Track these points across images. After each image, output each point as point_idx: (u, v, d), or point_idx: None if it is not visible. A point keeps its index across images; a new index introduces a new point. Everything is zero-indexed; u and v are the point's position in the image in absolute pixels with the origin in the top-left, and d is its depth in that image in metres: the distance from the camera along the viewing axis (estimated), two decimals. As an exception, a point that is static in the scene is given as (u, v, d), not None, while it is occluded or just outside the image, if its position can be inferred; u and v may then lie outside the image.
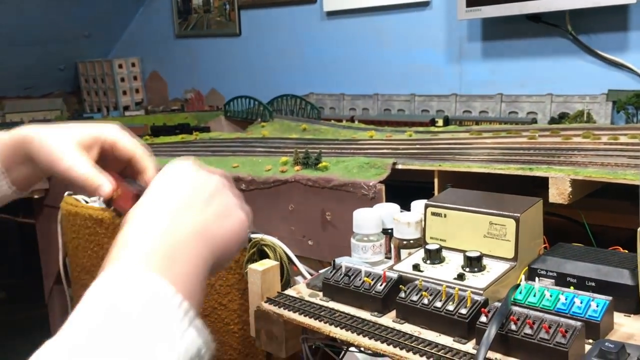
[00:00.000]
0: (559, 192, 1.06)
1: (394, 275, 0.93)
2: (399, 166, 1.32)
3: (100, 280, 0.49)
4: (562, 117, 2.34)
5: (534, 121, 2.37)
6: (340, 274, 0.97)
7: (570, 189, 1.05)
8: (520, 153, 1.26)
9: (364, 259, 1.08)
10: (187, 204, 0.60)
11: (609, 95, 2.24)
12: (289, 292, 1.00)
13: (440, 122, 2.56)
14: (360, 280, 0.94)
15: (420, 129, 1.98)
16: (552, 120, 2.37)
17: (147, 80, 3.95)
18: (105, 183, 0.80)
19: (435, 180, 1.23)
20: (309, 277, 1.11)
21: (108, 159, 0.86)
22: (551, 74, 2.39)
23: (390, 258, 1.12)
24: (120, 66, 3.84)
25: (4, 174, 0.94)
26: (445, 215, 1.01)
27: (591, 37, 2.27)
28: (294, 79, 3.23)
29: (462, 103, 2.62)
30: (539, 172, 1.09)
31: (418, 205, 1.13)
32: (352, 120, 2.74)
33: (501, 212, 0.96)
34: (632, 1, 2.02)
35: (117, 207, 0.79)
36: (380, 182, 1.27)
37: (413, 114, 2.75)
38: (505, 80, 2.51)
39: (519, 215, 0.93)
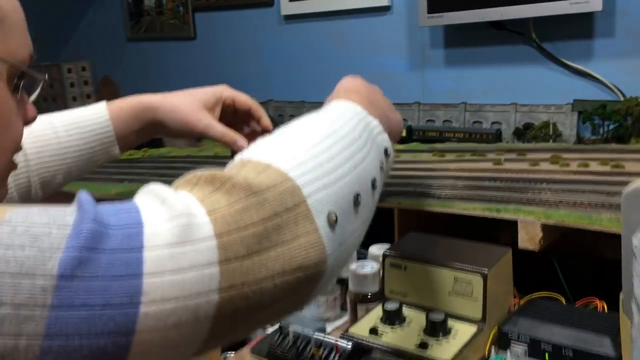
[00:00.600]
0: (529, 237, 0.97)
1: (348, 346, 0.82)
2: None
3: (331, 103, 0.77)
4: (527, 128, 2.27)
5: (499, 132, 2.30)
6: (288, 342, 0.85)
7: (541, 234, 0.96)
8: (485, 186, 1.16)
9: (317, 315, 0.97)
10: (372, 92, 0.91)
11: (575, 105, 2.18)
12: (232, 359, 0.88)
13: (403, 132, 2.46)
14: (310, 350, 0.83)
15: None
16: (517, 131, 2.30)
17: (99, 85, 3.76)
18: (240, 138, 1.18)
19: (395, 221, 1.12)
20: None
21: (227, 112, 1.25)
22: (515, 83, 2.31)
23: (346, 310, 1.01)
24: (69, 70, 3.64)
25: (120, 139, 1.19)
26: (405, 268, 0.91)
27: (556, 45, 2.20)
28: (252, 84, 3.09)
29: (425, 112, 2.53)
30: (507, 214, 1.00)
31: (376, 250, 1.02)
32: (312, 130, 2.62)
33: (467, 267, 0.86)
34: (597, 9, 1.95)
35: None
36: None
37: (375, 123, 2.65)
38: (469, 88, 2.43)
39: (486, 271, 0.83)
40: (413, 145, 1.79)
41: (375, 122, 0.76)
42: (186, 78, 3.39)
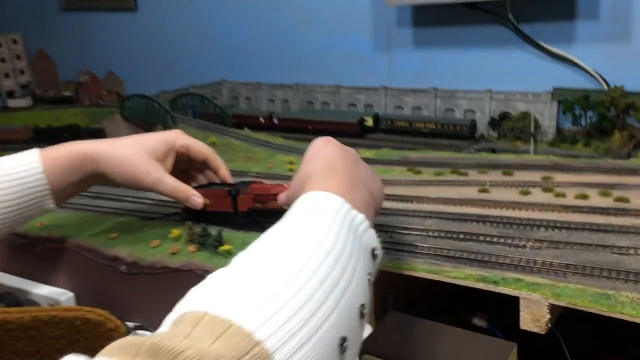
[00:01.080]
0: (533, 319, 0.80)
1: None
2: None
3: (307, 196, 0.68)
4: (503, 118, 2.10)
5: (473, 124, 2.12)
6: None
7: (548, 317, 0.79)
8: (475, 234, 0.99)
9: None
10: (350, 163, 0.81)
11: (555, 94, 2.01)
12: None
13: (369, 121, 2.26)
14: None
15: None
16: (493, 121, 2.12)
17: (34, 60, 3.42)
18: (194, 194, 1.13)
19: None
20: None
21: (181, 159, 1.18)
22: (490, 68, 2.12)
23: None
24: (-1, 44, 3.29)
25: (57, 193, 1.09)
26: (387, 371, 0.73)
27: (534, 27, 2.01)
28: (203, 63, 2.83)
29: (393, 97, 2.32)
30: (506, 287, 0.82)
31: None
32: (270, 118, 2.40)
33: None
34: (581, -11, 1.77)
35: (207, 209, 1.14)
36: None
37: (339, 108, 2.44)
38: (440, 72, 2.23)
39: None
40: (384, 152, 1.60)
41: (360, 217, 0.67)
42: (128, 53, 3.09)
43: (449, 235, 1.00)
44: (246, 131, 2.00)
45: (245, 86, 2.69)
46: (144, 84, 2.87)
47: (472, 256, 0.92)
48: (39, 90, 3.31)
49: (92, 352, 0.42)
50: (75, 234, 1.25)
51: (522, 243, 0.95)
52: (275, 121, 2.37)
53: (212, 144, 1.92)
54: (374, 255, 0.68)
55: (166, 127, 2.13)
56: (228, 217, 1.16)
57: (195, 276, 1.07)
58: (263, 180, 1.41)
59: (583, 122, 1.97)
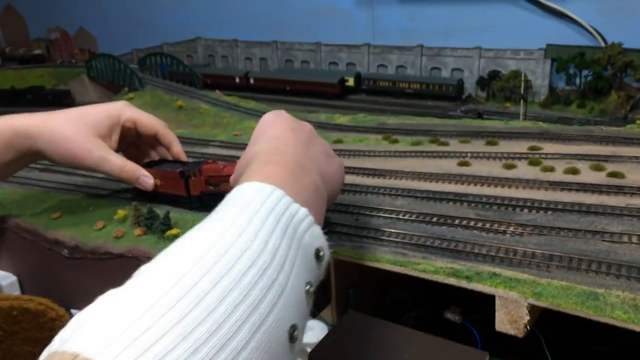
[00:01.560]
0: (510, 320, 0.70)
1: None
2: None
3: (239, 188, 0.57)
4: (493, 77, 1.97)
5: (460, 83, 1.99)
6: None
7: (527, 318, 0.69)
8: (450, 217, 0.87)
9: None
10: (299, 142, 0.70)
11: (548, 51, 1.87)
12: None
13: (350, 81, 2.13)
14: None
15: (322, 118, 1.55)
16: (481, 80, 2.00)
17: (1, 16, 3.24)
18: (143, 173, 1.02)
19: (332, 278, 0.83)
20: None
21: (128, 134, 1.05)
22: (479, 23, 1.98)
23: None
24: (-37, 0, 3.11)
25: None
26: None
27: (528, -22, 1.86)
28: (177, 19, 2.67)
29: (376, 55, 2.18)
30: (481, 284, 0.71)
31: (306, 337, 0.73)
32: (246, 78, 2.26)
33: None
34: (578, -64, 1.62)
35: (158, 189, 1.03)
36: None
37: (319, 67, 2.30)
38: (426, 29, 2.09)
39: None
40: (360, 118, 1.48)
41: (302, 213, 0.56)
42: (99, 8, 2.92)
43: (421, 218, 0.89)
44: (217, 94, 1.86)
45: (222, 44, 2.53)
46: (117, 43, 2.72)
47: (445, 244, 0.81)
48: (8, 49, 3.15)
49: (34, 343, 0.36)
50: (17, 213, 1.14)
51: (502, 228, 0.84)
52: (252, 81, 2.24)
53: (180, 108, 1.80)
54: (318, 257, 0.57)
55: (133, 89, 2.00)
56: (181, 200, 1.04)
57: (140, 263, 0.96)
58: (226, 155, 1.29)
59: (577, 81, 1.84)
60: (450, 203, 0.94)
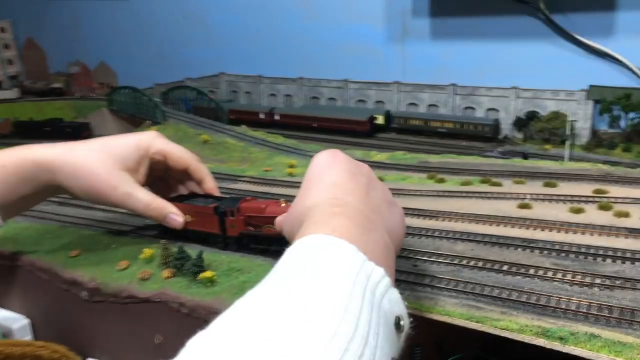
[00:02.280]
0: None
1: None
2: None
3: (303, 243, 0.47)
4: (531, 118, 1.88)
5: (497, 123, 1.90)
6: None
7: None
8: (521, 264, 0.77)
9: None
10: (361, 185, 0.60)
11: (591, 92, 1.79)
12: None
13: (380, 119, 2.05)
14: None
15: (357, 155, 1.46)
16: (518, 121, 1.91)
17: (23, 49, 3.22)
18: (173, 211, 0.93)
19: None
20: None
21: (157, 167, 0.97)
22: (517, 62, 1.90)
23: None
24: (-15, 32, 3.09)
25: (5, 208, 0.89)
26: None
27: (569, 17, 1.79)
28: (201, 54, 2.62)
29: (406, 94, 2.11)
30: (579, 347, 0.61)
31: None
32: (271, 114, 2.19)
33: None
34: (624, -26, 1.55)
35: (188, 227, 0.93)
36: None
37: (347, 104, 2.23)
38: (460, 67, 2.01)
39: None
40: (399, 155, 1.39)
41: (378, 273, 0.47)
42: (121, 43, 2.88)
43: (489, 265, 0.79)
44: (243, 128, 1.78)
45: (246, 79, 2.47)
46: (138, 77, 2.66)
47: (524, 297, 0.71)
48: (27, 82, 3.11)
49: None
50: (32, 250, 1.04)
51: (587, 280, 0.73)
52: (277, 117, 2.16)
53: (205, 142, 1.72)
54: (398, 327, 0.47)
55: (155, 122, 1.92)
56: (214, 239, 0.95)
57: (168, 309, 0.85)
58: (257, 191, 1.20)
59: (622, 124, 1.75)
60: (519, 250, 0.84)
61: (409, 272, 0.79)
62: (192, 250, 0.91)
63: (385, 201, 0.64)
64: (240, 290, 0.82)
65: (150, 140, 0.95)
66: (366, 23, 2.14)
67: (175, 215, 0.93)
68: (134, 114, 2.08)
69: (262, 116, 2.18)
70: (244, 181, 1.33)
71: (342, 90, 2.23)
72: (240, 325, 0.39)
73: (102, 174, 0.89)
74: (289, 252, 0.47)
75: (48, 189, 0.92)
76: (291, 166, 1.37)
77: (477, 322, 0.67)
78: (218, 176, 1.38)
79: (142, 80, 2.62)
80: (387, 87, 2.14)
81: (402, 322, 0.47)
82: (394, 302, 0.47)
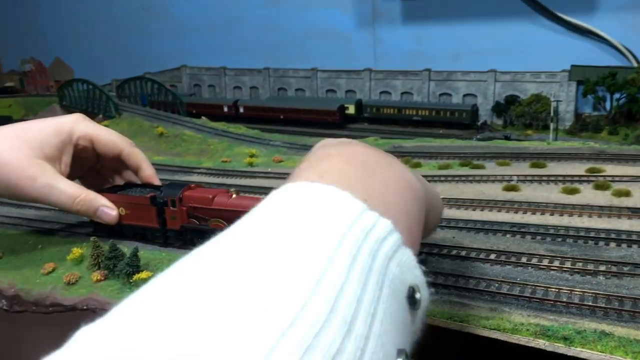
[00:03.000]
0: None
1: None
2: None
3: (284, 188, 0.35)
4: (511, 103, 1.78)
5: (475, 109, 1.80)
6: None
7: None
8: (511, 252, 0.65)
9: None
10: (373, 159, 0.42)
11: (573, 72, 1.69)
12: None
13: (351, 109, 1.93)
14: None
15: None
16: (497, 106, 1.80)
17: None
18: (103, 203, 0.79)
19: None
20: None
21: (85, 156, 0.83)
22: (495, 44, 1.80)
23: None
24: None
25: None
26: None
27: (548, -7, 1.70)
28: (161, 46, 2.48)
29: (378, 81, 1.99)
30: (587, 349, 0.49)
31: None
32: (235, 107, 2.05)
33: None
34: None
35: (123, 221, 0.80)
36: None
37: (315, 95, 2.10)
38: (434, 51, 1.90)
39: None
40: (370, 141, 1.27)
41: (383, 226, 0.33)
42: (75, 38, 2.72)
43: (474, 254, 0.67)
44: (202, 120, 1.65)
45: (209, 72, 2.33)
46: (96, 73, 2.50)
47: (517, 290, 0.58)
48: (-22, 82, 2.94)
49: None
50: (-53, 254, 0.90)
51: (590, 267, 0.61)
52: (241, 110, 2.03)
53: (161, 135, 1.58)
54: (412, 301, 0.34)
55: (108, 117, 1.78)
56: (152, 233, 0.81)
57: (97, 318, 0.72)
58: (212, 183, 1.07)
59: (608, 105, 1.65)
60: (508, 236, 0.72)
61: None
62: (128, 247, 0.78)
63: (414, 174, 0.48)
64: (180, 292, 0.69)
65: (73, 124, 0.81)
66: (333, 8, 2.02)
67: (107, 209, 0.79)
68: (86, 108, 1.93)
69: (225, 109, 2.05)
70: (200, 173, 1.20)
71: (311, 80, 2.11)
72: (172, 295, 0.28)
73: (16, 164, 0.75)
74: (256, 207, 0.34)
75: None
76: (251, 155, 1.24)
77: (460, 321, 0.55)
78: (171, 169, 1.25)
79: (101, 76, 2.47)
80: (357, 75, 2.03)
81: (417, 295, 0.34)
82: (407, 267, 0.34)
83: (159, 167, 1.28)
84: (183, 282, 0.28)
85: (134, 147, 0.85)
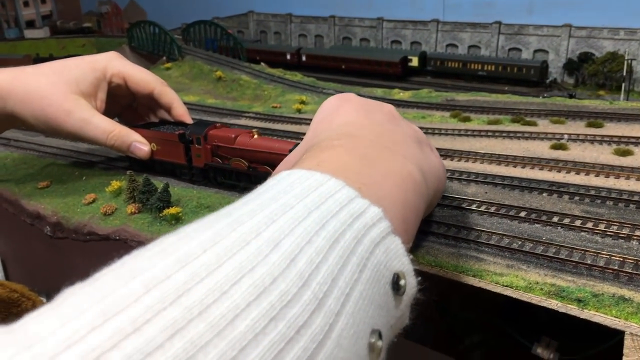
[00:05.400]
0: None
1: None
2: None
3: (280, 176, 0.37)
4: (584, 60, 1.67)
5: (544, 65, 1.70)
6: None
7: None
8: (543, 211, 0.62)
9: None
10: (371, 122, 0.48)
11: (655, 30, 1.56)
12: None
13: (414, 61, 1.88)
14: None
15: (378, 92, 1.31)
16: (569, 64, 1.70)
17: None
18: (136, 139, 0.80)
19: None
20: None
21: (119, 93, 0.85)
22: (572, -3, 1.68)
23: None
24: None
25: None
26: None
27: (635, -58, 1.56)
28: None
29: (445, 33, 1.92)
30: (601, 312, 0.46)
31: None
32: (298, 55, 2.04)
33: None
34: None
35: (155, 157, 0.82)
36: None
37: (380, 46, 2.05)
38: (506, 2, 1.80)
39: None
40: (423, 93, 1.23)
41: (372, 213, 0.35)
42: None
43: (503, 211, 0.64)
44: (261, 66, 1.64)
45: (275, 19, 2.32)
46: (167, 16, 2.55)
47: (540, 249, 0.56)
48: (59, 21, 3.05)
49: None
50: (2, 180, 0.95)
51: (625, 232, 0.57)
52: (304, 58, 2.01)
53: (219, 79, 1.59)
54: (396, 288, 0.35)
55: (172, 59, 1.81)
56: (180, 170, 0.83)
57: (127, 248, 0.74)
58: (259, 127, 1.07)
59: (691, 67, 1.52)
60: (545, 194, 0.68)
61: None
62: (161, 182, 0.79)
63: (412, 138, 0.50)
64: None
65: (107, 62, 0.83)
66: (404, -46, 1.94)
67: (140, 144, 0.81)
68: (152, 50, 1.97)
69: (288, 57, 2.04)
70: (248, 117, 1.20)
71: (376, 30, 2.05)
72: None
73: (54, 98, 0.78)
74: (252, 191, 0.36)
75: (2, 119, 0.81)
76: (302, 102, 1.23)
77: (473, 276, 0.53)
78: (221, 112, 1.26)
79: (172, 20, 2.52)
80: (424, 26, 1.96)
81: (402, 282, 0.35)
82: (394, 254, 0.35)
83: (210, 110, 1.29)
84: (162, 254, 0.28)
85: (166, 87, 0.86)
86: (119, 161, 0.95)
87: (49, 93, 0.77)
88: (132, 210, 0.78)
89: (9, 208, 0.92)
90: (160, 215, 0.75)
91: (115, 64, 0.83)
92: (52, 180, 0.92)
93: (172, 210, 0.74)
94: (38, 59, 2.10)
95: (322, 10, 2.19)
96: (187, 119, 0.86)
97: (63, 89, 0.78)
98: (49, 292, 0.86)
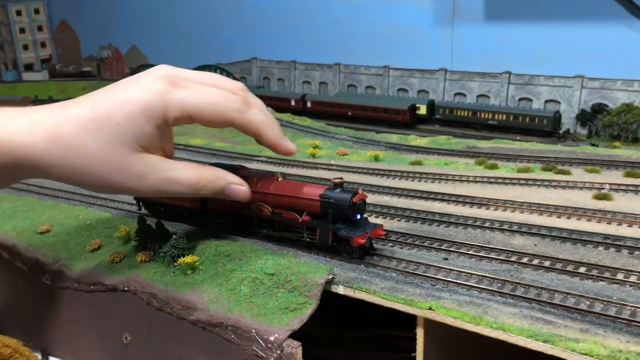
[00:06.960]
0: None
1: None
2: (340, 289, 0.61)
3: None
4: (598, 111, 1.64)
5: (557, 116, 1.67)
6: None
7: None
8: (604, 267, 0.56)
9: None
10: None
11: (671, 82, 1.54)
12: None
13: (422, 109, 1.84)
14: None
15: (393, 138, 1.26)
16: (583, 115, 1.67)
17: (56, 31, 3.13)
18: (234, 180, 0.67)
19: (419, 336, 0.53)
20: None
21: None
22: (584, 47, 1.67)
23: None
24: (18, 13, 3.00)
25: None
26: None
27: (648, -6, 1.55)
28: (232, 39, 2.46)
29: (453, 82, 1.89)
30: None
31: None
32: (303, 101, 2.00)
33: None
34: None
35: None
36: (294, 332, 0.57)
37: (386, 93, 2.02)
38: (516, 52, 1.79)
39: None
40: (442, 140, 1.18)
41: None
42: (153, 28, 2.75)
43: (560, 266, 0.58)
44: (268, 110, 1.60)
45: (279, 65, 2.30)
46: (169, 61, 2.51)
47: (613, 310, 0.49)
48: (58, 65, 3.02)
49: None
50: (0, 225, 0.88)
51: None
52: (309, 104, 1.98)
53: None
54: None
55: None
56: (194, 214, 0.76)
57: (137, 301, 0.67)
58: (265, 169, 1.01)
59: None
60: (601, 248, 0.62)
61: (437, 266, 0.59)
62: (175, 228, 0.73)
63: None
64: (226, 280, 0.64)
65: (164, 103, 0.65)
66: (411, 3, 1.93)
67: (237, 185, 0.66)
68: (155, 94, 1.93)
69: (293, 103, 2.00)
70: (260, 161, 1.15)
71: (382, 77, 2.03)
72: None
73: (114, 166, 0.63)
74: None
75: (21, 178, 0.70)
76: (315, 147, 1.18)
77: (544, 341, 0.46)
78: (231, 156, 1.21)
79: (173, 64, 2.47)
80: (432, 74, 1.93)
81: None
82: None
83: (219, 154, 1.24)
84: None
85: (246, 114, 0.69)
86: (126, 204, 0.88)
87: (104, 160, 0.63)
88: (143, 259, 0.71)
89: (5, 254, 0.84)
90: (175, 264, 0.68)
91: (174, 102, 0.65)
92: (53, 224, 0.85)
93: (188, 259, 0.67)
94: (37, 101, 2.05)
95: (327, 58, 2.17)
96: (282, 147, 0.72)
97: (121, 151, 0.63)
98: (45, 347, 0.78)
